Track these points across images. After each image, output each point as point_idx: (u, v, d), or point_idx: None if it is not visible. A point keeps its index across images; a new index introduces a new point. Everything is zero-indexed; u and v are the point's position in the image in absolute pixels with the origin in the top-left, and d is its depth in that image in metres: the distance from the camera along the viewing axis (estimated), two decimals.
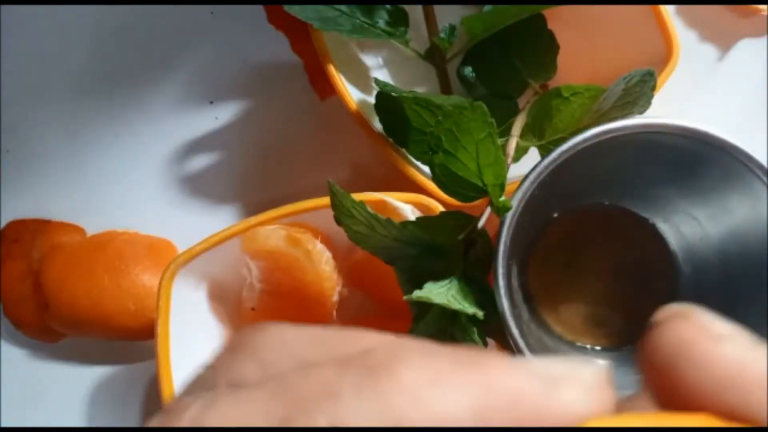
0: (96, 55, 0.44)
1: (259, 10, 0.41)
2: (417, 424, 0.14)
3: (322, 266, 0.36)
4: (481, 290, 0.30)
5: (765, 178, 0.29)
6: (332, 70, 0.37)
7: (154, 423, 0.15)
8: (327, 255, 0.36)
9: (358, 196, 0.30)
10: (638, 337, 0.15)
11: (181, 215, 0.43)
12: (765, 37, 0.42)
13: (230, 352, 0.17)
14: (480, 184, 0.30)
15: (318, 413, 0.15)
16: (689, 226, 0.35)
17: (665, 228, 0.37)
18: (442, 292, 0.29)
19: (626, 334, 0.36)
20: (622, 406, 0.15)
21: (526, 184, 0.29)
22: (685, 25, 0.43)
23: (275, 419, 0.15)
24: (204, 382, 0.17)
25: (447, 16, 0.39)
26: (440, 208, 0.35)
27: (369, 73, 0.40)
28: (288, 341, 0.17)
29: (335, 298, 0.36)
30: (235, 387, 0.16)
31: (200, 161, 0.43)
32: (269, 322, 0.18)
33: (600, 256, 0.37)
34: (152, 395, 0.42)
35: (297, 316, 0.37)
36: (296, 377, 0.16)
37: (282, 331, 0.17)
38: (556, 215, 0.37)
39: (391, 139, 0.37)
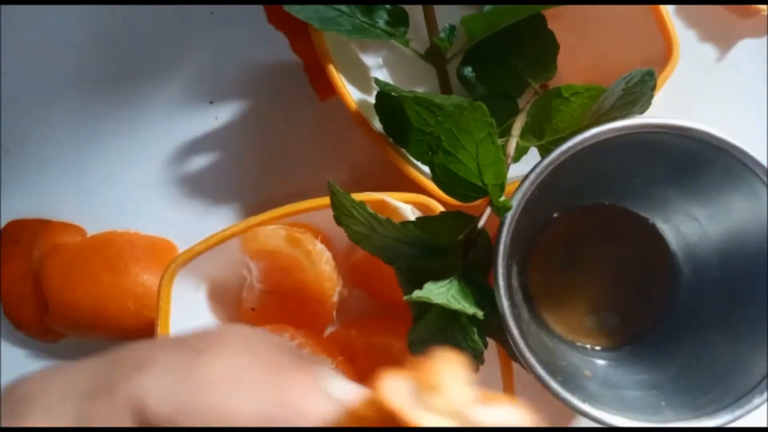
0: (96, 55, 0.44)
1: (259, 10, 0.41)
2: (203, 413, 0.17)
3: (322, 266, 0.35)
4: (481, 290, 0.30)
5: (765, 178, 0.29)
6: (332, 70, 0.37)
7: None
8: (327, 255, 0.36)
9: (358, 196, 0.30)
10: (638, 337, 0.15)
11: (181, 215, 0.43)
12: (765, 37, 0.42)
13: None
14: (480, 184, 0.30)
15: (122, 382, 0.17)
16: (689, 226, 0.35)
17: (665, 228, 0.37)
18: (442, 292, 0.29)
19: (626, 334, 0.36)
20: None
21: (526, 184, 0.29)
22: (685, 25, 0.43)
23: (88, 384, 0.18)
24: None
25: (447, 16, 0.39)
26: (440, 208, 0.35)
27: (369, 73, 0.40)
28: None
29: (335, 298, 0.36)
30: None
31: (200, 161, 0.43)
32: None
33: (600, 256, 0.37)
34: None
35: (297, 317, 0.37)
36: (125, 349, 0.19)
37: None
38: (556, 215, 0.37)
39: (391, 139, 0.37)
